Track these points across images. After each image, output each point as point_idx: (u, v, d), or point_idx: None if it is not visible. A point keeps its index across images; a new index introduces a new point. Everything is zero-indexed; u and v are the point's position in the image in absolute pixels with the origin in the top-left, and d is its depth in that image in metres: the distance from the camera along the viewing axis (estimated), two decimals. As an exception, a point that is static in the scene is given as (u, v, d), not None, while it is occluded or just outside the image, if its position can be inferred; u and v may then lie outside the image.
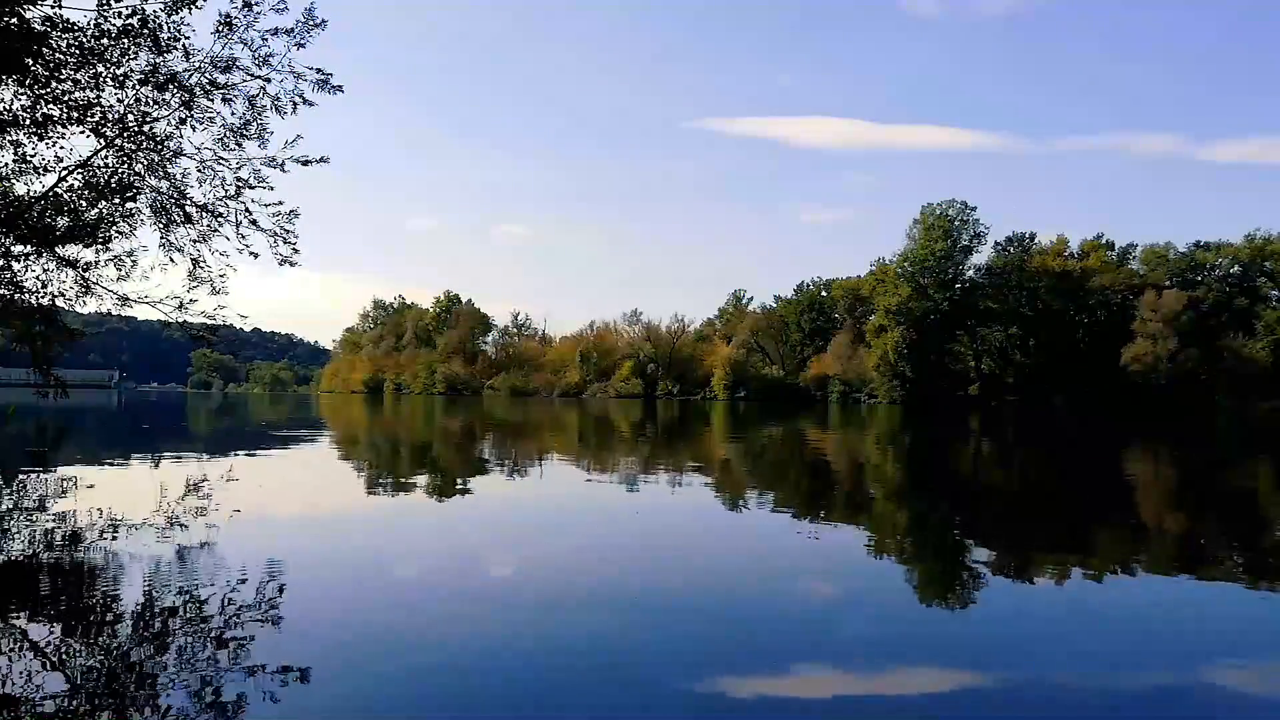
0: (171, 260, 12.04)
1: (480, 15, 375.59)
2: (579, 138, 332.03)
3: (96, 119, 10.68)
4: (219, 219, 11.87)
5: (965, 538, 8.66)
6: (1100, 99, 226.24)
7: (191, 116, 11.21)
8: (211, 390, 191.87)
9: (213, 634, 4.70)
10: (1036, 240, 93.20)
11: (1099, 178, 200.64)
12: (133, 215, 11.83)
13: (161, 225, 11.88)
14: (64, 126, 10.59)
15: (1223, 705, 4.08)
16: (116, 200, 11.51)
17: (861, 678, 4.32)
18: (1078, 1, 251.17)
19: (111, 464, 14.92)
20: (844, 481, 14.28)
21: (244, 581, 5.82)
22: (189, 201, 11.82)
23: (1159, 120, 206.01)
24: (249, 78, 11.19)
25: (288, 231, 12.05)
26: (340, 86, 11.55)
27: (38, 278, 11.67)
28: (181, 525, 8.06)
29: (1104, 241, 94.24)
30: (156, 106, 11.04)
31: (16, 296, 11.59)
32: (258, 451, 18.82)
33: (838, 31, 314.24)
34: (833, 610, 5.73)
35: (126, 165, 11.43)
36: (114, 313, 12.34)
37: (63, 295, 11.91)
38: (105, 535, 7.48)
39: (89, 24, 10.07)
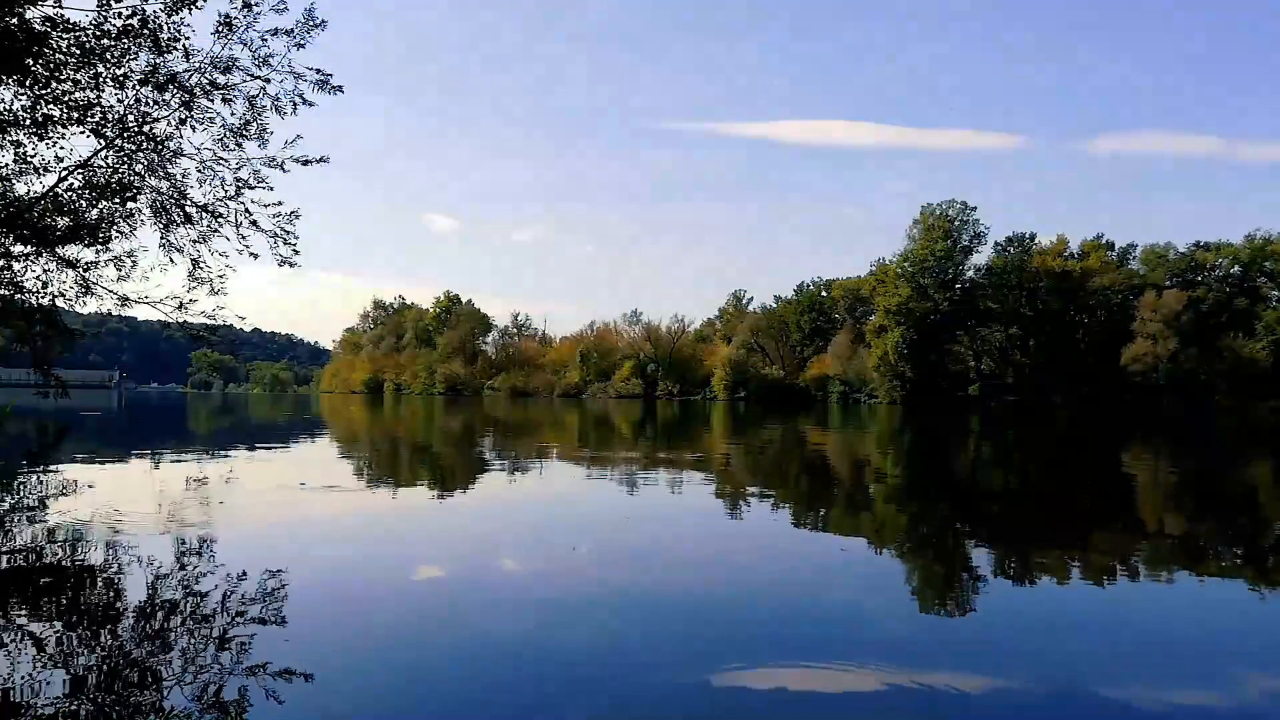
0: (171, 260, 12.05)
1: (480, 18, 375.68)
2: (581, 139, 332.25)
3: (96, 119, 10.68)
4: (219, 219, 11.88)
5: (965, 538, 8.67)
6: (1100, 98, 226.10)
7: (191, 117, 11.22)
8: (212, 390, 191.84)
9: (214, 633, 4.70)
10: (1036, 240, 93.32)
11: (1099, 178, 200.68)
12: (133, 215, 11.84)
13: (161, 225, 11.89)
14: (64, 126, 10.60)
15: (1224, 705, 4.08)
16: (116, 200, 11.51)
17: (863, 677, 4.32)
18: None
19: (112, 464, 14.93)
20: (844, 482, 14.29)
21: (244, 580, 5.83)
22: (189, 202, 11.83)
23: (1159, 119, 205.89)
24: (249, 78, 11.19)
25: (288, 232, 12.06)
26: (340, 87, 11.55)
27: (38, 278, 11.69)
28: (182, 524, 8.06)
29: (1104, 241, 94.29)
30: (156, 107, 11.04)
31: (16, 296, 11.60)
32: (258, 451, 18.83)
33: (836, 31, 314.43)
34: (834, 611, 5.72)
35: (126, 165, 11.43)
36: (114, 313, 12.34)
37: (63, 295, 11.93)
38: (105, 534, 7.48)
39: (89, 24, 10.08)
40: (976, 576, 6.68)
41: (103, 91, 10.58)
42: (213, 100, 11.21)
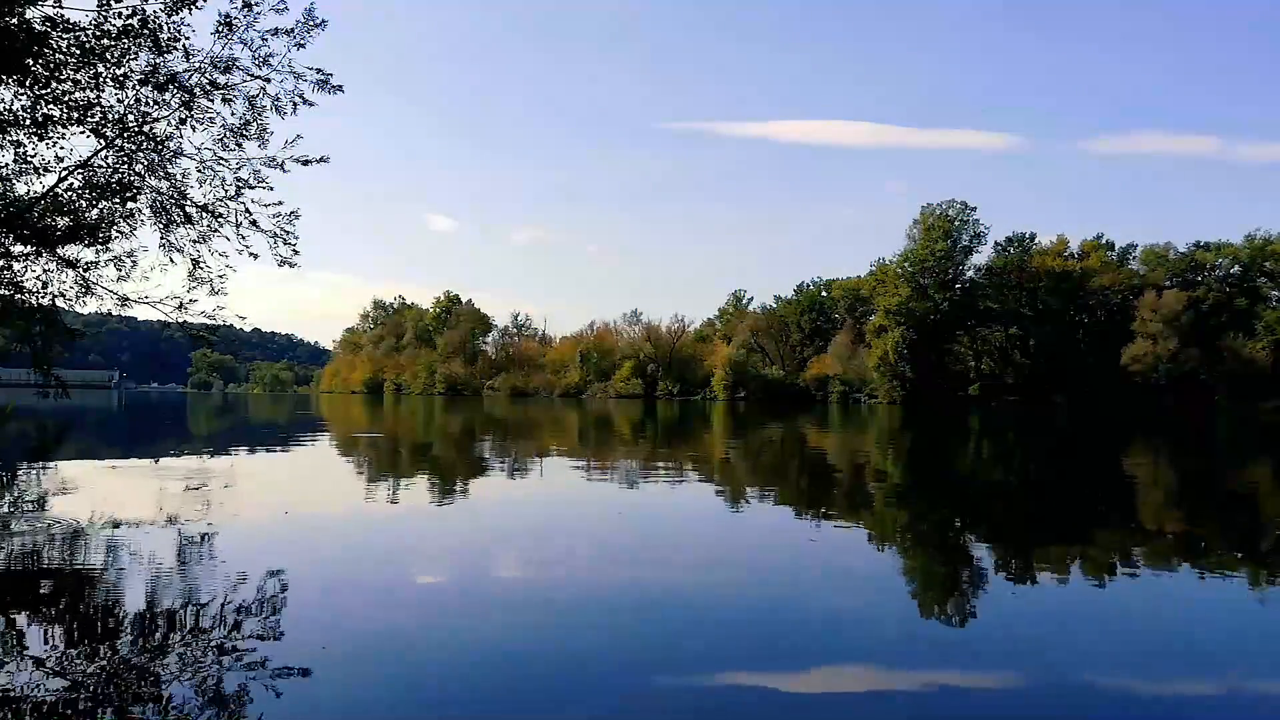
0: (171, 260, 12.03)
1: (481, 18, 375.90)
2: (581, 139, 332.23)
3: (96, 119, 10.67)
4: (219, 219, 11.86)
5: (965, 538, 8.67)
6: (1099, 98, 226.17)
7: (191, 117, 11.20)
8: (212, 390, 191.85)
9: (213, 633, 4.70)
10: (1036, 240, 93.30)
11: (1099, 178, 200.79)
12: (133, 215, 11.81)
13: (161, 225, 11.87)
14: (64, 126, 10.59)
15: (1224, 702, 4.08)
16: (116, 200, 11.50)
17: (863, 677, 4.32)
18: None
19: (112, 464, 14.93)
20: (844, 482, 14.29)
21: (244, 581, 5.83)
22: (189, 202, 11.82)
23: (1159, 119, 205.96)
24: (249, 78, 11.17)
25: (288, 232, 12.04)
26: (340, 87, 11.54)
27: (38, 278, 11.66)
28: (182, 525, 8.06)
29: (1104, 241, 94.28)
30: (156, 107, 11.03)
31: (16, 296, 11.59)
32: (258, 452, 18.83)
33: (835, 31, 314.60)
34: (831, 610, 5.72)
35: (126, 165, 11.42)
36: (114, 313, 12.32)
37: (63, 295, 11.90)
38: (106, 534, 7.48)
39: (89, 24, 10.07)
40: (975, 575, 6.68)
41: (103, 91, 10.57)
42: (213, 100, 11.19)
